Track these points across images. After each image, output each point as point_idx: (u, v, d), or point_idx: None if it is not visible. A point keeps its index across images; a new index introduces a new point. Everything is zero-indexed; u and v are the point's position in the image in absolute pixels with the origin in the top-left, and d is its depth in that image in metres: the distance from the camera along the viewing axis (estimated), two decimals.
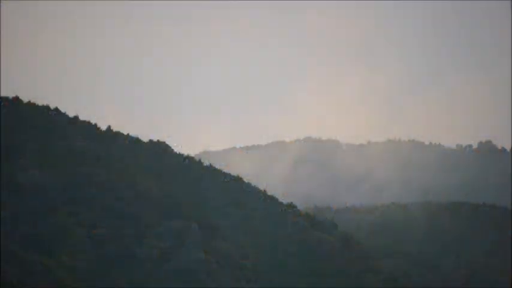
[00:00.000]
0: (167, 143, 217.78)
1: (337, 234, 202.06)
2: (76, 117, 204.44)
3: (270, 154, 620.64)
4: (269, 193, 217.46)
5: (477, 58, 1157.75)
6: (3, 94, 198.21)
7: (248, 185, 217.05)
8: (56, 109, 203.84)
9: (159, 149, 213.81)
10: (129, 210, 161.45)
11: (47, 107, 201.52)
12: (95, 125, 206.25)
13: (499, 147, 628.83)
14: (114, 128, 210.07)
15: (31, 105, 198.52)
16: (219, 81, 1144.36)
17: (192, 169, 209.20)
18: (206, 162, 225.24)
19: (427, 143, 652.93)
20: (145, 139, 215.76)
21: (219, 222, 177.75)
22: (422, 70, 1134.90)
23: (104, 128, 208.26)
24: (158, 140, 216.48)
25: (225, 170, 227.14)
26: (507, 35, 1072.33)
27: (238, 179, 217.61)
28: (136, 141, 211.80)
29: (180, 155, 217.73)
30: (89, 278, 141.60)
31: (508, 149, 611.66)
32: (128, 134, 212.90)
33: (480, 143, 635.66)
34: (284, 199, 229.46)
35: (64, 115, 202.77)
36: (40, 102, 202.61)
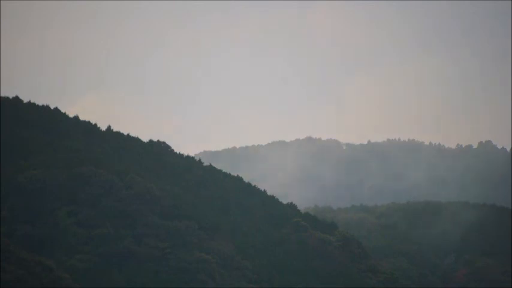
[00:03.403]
0: (167, 143, 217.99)
1: (337, 234, 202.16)
2: (76, 117, 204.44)
3: (270, 154, 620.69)
4: (269, 193, 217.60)
5: (477, 58, 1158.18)
6: (3, 94, 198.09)
7: (248, 185, 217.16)
8: (56, 109, 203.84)
9: (159, 149, 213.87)
10: (129, 210, 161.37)
11: (47, 107, 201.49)
12: (95, 125, 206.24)
13: (499, 147, 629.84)
14: (114, 128, 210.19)
15: (31, 105, 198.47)
16: (218, 81, 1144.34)
17: (192, 169, 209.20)
18: (206, 162, 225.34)
19: (427, 143, 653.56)
20: (145, 139, 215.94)
21: (219, 222, 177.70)
22: (422, 70, 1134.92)
23: (103, 128, 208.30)
24: (158, 140, 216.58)
25: (225, 170, 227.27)
26: (507, 35, 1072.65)
27: (238, 179, 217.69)
28: (137, 141, 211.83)
29: (180, 155, 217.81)
30: (89, 277, 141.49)
31: (508, 149, 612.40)
32: (128, 134, 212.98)
33: (480, 143, 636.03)
34: (284, 199, 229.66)
35: (64, 115, 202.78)
36: (40, 102, 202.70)
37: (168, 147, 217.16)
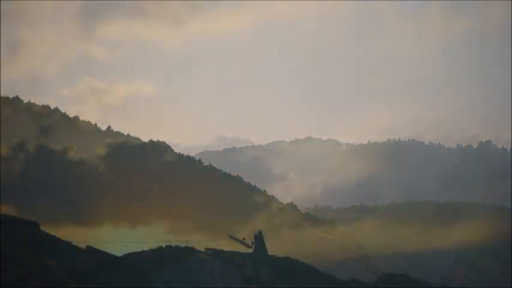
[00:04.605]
0: (167, 143, 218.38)
1: (337, 234, 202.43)
2: (76, 117, 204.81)
3: (271, 154, 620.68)
4: (269, 193, 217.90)
5: (477, 58, 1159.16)
6: (3, 94, 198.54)
7: (248, 185, 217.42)
8: (56, 109, 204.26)
9: (159, 149, 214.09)
10: (129, 210, 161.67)
11: (47, 107, 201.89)
12: (95, 125, 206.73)
13: (499, 147, 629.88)
14: (114, 128, 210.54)
15: (31, 105, 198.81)
16: (219, 81, 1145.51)
17: (192, 169, 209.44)
18: (206, 162, 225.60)
19: (427, 143, 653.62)
20: (145, 139, 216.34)
21: (219, 222, 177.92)
22: (422, 70, 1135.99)
23: (104, 128, 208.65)
24: (158, 140, 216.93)
25: (225, 170, 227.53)
26: (507, 35, 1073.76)
27: (238, 179, 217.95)
28: (137, 141, 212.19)
29: (180, 155, 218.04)
30: (89, 278, 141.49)
31: (508, 149, 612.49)
32: (128, 134, 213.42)
33: (480, 143, 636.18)
34: (285, 199, 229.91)
35: (64, 115, 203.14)
36: (40, 102, 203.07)
37: (168, 147, 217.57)
